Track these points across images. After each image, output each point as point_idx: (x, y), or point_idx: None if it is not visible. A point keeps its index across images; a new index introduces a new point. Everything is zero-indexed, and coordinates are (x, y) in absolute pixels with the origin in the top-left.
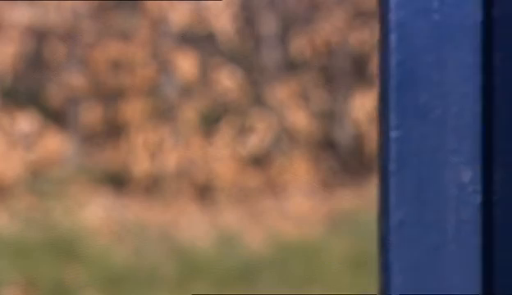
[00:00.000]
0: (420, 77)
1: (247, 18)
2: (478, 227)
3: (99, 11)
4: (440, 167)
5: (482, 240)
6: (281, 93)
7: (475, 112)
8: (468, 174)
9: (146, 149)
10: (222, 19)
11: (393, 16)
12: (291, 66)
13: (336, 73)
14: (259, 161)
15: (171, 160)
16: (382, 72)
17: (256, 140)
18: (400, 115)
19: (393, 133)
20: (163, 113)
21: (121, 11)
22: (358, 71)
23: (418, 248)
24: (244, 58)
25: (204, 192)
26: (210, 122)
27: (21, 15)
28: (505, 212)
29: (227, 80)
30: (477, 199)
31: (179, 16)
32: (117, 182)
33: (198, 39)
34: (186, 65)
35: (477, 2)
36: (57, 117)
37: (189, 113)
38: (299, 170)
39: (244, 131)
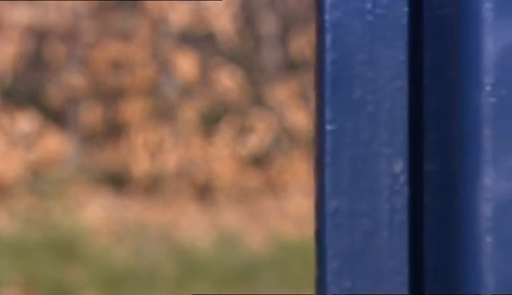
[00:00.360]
0: (354, 74)
1: (247, 18)
2: (409, 215)
3: (99, 11)
4: (373, 158)
5: (412, 227)
6: (281, 93)
7: (406, 107)
8: (400, 165)
9: (146, 149)
10: (222, 19)
11: (328, 17)
12: (291, 66)
13: None
14: (259, 161)
15: (171, 160)
16: (318, 70)
17: (256, 140)
18: (334, 110)
19: (328, 127)
20: (163, 113)
21: (121, 11)
22: None
23: (353, 235)
24: (244, 58)
25: (204, 192)
26: (210, 122)
27: (21, 15)
28: (432, 200)
29: (227, 80)
30: (409, 188)
31: (179, 16)
32: (117, 182)
33: (198, 39)
34: (186, 65)
35: (409, 4)
36: (57, 117)
37: (189, 113)
38: (299, 170)
39: (244, 131)
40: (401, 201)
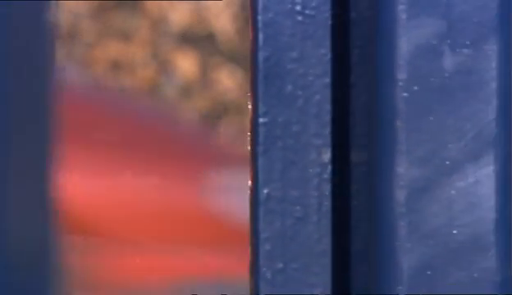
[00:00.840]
0: (285, 71)
1: (247, 18)
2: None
3: (99, 11)
4: (303, 149)
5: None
6: None
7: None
8: (328, 156)
9: None
10: (222, 19)
11: (260, 17)
12: None
13: None
14: None
15: None
16: (252, 66)
17: None
18: (266, 104)
19: (261, 120)
20: None
21: (121, 11)
22: None
23: (284, 220)
24: (244, 58)
25: None
26: (210, 122)
27: None
28: (359, 188)
29: (227, 80)
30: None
31: (179, 16)
32: None
33: (198, 39)
34: (186, 65)
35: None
36: None
37: (190, 113)
38: None
39: (244, 131)
40: (329, 188)
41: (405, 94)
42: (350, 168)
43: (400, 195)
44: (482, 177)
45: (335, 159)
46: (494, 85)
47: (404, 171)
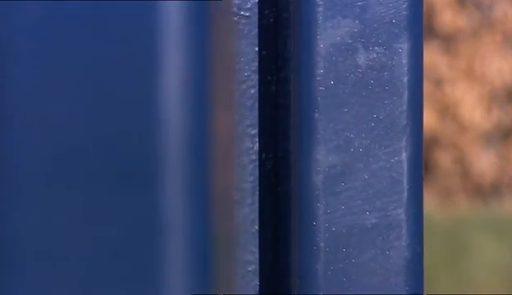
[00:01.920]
0: None
1: None
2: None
3: None
4: (240, 138)
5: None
6: None
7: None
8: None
9: None
10: None
11: None
12: None
13: None
14: None
15: None
16: None
17: None
18: None
19: None
20: None
21: None
22: None
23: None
24: None
25: None
26: None
27: None
28: (285, 170)
29: None
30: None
31: None
32: None
33: None
34: None
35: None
36: None
37: None
38: None
39: None
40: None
41: (322, 88)
42: (286, 156)
43: (317, 179)
44: (394, 163)
45: (269, 148)
46: (405, 79)
47: (322, 158)
